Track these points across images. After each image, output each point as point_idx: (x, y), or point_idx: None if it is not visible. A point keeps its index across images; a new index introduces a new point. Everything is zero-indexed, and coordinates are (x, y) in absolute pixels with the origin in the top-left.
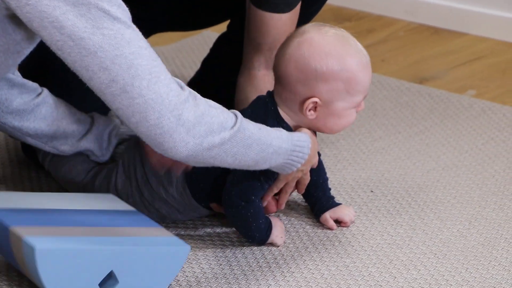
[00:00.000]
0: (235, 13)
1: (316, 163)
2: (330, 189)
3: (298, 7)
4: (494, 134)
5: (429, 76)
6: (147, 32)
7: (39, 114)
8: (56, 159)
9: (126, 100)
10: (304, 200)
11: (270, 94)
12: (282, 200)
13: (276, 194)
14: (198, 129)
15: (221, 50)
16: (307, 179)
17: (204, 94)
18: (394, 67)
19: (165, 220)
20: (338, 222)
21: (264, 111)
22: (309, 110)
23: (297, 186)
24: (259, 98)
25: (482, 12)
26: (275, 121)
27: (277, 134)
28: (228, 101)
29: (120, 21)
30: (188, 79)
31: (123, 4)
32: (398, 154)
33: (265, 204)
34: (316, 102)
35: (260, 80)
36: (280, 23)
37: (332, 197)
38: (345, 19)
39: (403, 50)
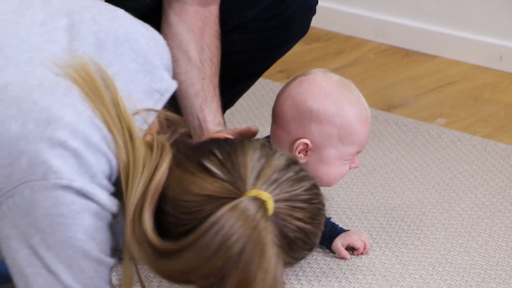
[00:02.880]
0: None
1: None
2: (330, 217)
3: None
4: (463, 167)
5: (398, 102)
6: None
7: None
8: None
9: None
10: None
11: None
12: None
13: None
14: None
15: None
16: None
17: None
18: (362, 93)
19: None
20: (351, 249)
21: None
22: (299, 153)
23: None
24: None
25: (454, 34)
26: None
27: None
28: None
29: None
30: None
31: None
32: (361, 189)
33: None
34: (307, 145)
35: (192, 17)
36: None
37: (336, 225)
38: (313, 39)
39: (372, 74)
